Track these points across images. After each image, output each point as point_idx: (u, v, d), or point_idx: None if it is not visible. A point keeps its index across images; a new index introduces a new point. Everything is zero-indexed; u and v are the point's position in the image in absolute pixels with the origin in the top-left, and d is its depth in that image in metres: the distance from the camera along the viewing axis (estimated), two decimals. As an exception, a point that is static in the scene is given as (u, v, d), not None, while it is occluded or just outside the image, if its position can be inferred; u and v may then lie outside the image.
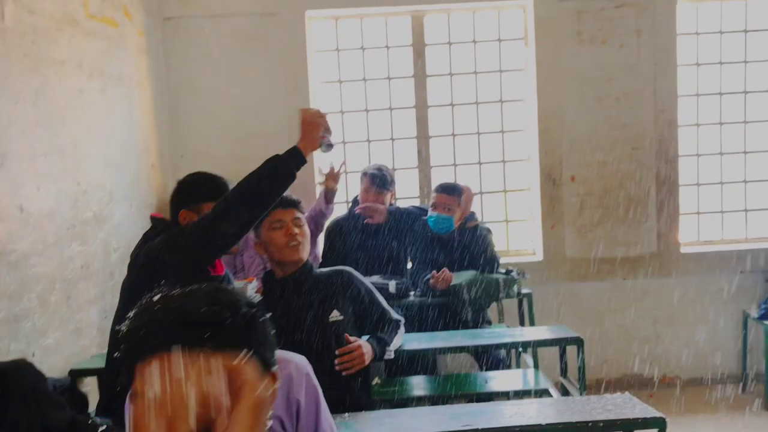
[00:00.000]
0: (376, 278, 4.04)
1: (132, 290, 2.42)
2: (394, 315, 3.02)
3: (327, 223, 4.43)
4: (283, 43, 4.70)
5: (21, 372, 1.82)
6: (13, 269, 2.62)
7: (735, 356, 4.95)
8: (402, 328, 3.03)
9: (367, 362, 2.76)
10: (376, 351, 2.82)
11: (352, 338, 2.75)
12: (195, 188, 2.62)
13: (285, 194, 2.60)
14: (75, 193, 3.19)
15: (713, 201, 5.08)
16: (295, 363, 1.86)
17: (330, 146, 2.60)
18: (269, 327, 1.20)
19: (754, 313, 4.73)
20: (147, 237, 2.57)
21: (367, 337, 2.88)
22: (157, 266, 2.30)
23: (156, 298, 1.14)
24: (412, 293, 4.06)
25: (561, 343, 3.36)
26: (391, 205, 4.34)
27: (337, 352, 2.69)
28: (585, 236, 4.89)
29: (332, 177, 4.40)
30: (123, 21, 3.89)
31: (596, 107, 4.80)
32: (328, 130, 2.58)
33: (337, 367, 2.67)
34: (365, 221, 4.25)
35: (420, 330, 3.78)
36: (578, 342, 3.20)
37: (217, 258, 2.56)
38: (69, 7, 3.21)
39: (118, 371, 1.13)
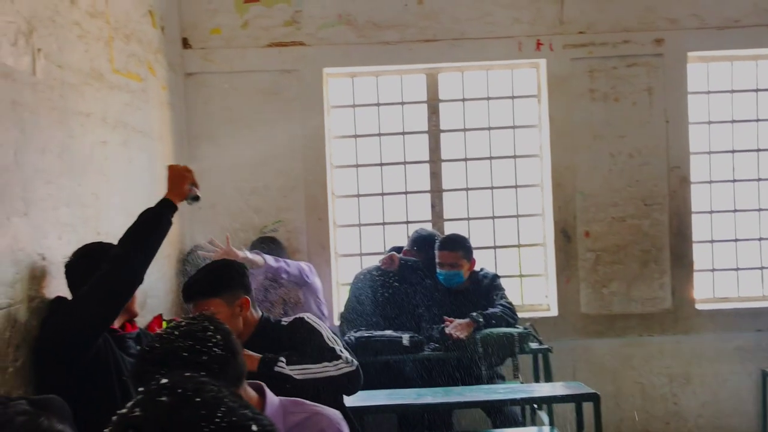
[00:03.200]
0: (389, 332, 4.04)
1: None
2: (341, 351, 2.74)
3: (357, 273, 4.55)
4: (301, 98, 4.81)
5: (50, 405, 1.93)
6: (35, 316, 2.64)
7: (754, 416, 4.85)
8: (341, 365, 2.70)
9: None
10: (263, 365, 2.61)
11: None
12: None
13: (193, 285, 2.69)
14: (95, 243, 3.23)
15: (728, 258, 5.07)
16: (327, 416, 1.88)
17: (196, 198, 2.81)
18: None
19: (773, 372, 4.67)
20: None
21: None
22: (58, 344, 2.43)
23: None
24: (426, 347, 4.04)
25: (576, 400, 3.32)
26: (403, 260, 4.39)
27: None
28: (600, 292, 4.87)
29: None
30: (147, 76, 4.01)
31: (609, 163, 4.85)
32: (194, 184, 2.79)
33: None
34: (381, 265, 4.38)
35: (433, 385, 3.76)
36: (594, 398, 3.17)
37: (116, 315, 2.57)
38: (96, 62, 3.31)
39: None
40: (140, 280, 2.58)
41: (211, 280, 2.70)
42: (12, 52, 2.58)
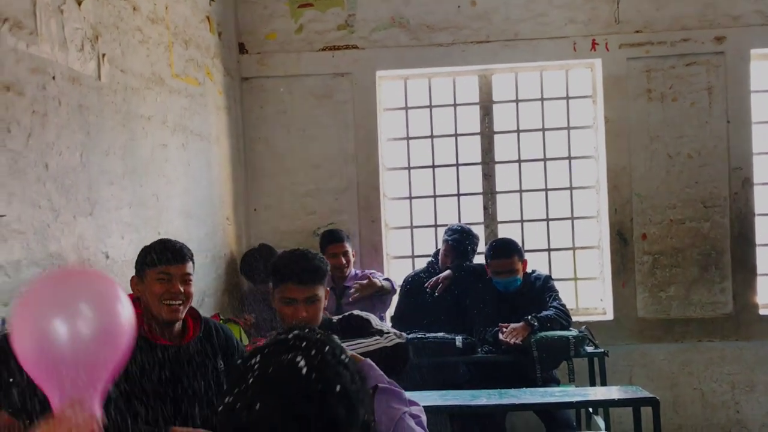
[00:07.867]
0: (442, 334, 4.03)
1: None
2: (388, 330, 2.78)
3: (406, 275, 4.58)
4: (354, 101, 4.85)
5: None
6: (97, 314, 2.72)
7: (822, 427, 4.67)
8: (391, 337, 2.73)
9: None
10: None
11: None
12: (144, 254, 2.50)
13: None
14: (155, 243, 3.32)
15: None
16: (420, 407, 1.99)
17: None
18: None
19: (842, 380, 4.49)
20: None
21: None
22: None
23: None
24: (479, 350, 4.02)
25: (634, 404, 3.24)
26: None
27: None
28: (657, 296, 4.76)
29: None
30: (205, 80, 4.10)
31: (667, 164, 4.74)
32: None
33: None
34: (427, 286, 4.34)
35: (487, 387, 3.73)
36: (653, 403, 3.10)
37: None
38: (156, 67, 3.41)
39: None
40: None
41: (320, 268, 2.58)
42: (78, 57, 2.68)
